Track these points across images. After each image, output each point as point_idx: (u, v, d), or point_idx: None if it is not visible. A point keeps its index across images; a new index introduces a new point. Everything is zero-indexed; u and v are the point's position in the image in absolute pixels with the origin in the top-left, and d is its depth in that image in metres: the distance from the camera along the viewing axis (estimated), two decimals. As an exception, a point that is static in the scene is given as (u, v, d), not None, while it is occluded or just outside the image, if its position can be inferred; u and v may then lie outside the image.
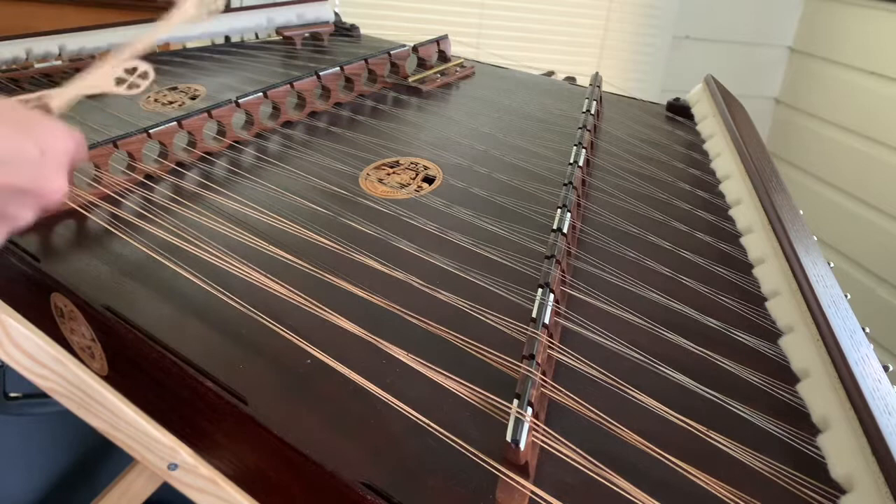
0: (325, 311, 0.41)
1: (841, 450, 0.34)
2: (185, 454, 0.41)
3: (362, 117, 0.75)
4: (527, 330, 0.38)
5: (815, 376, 0.38)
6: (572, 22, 1.67)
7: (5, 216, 0.39)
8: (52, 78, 0.85)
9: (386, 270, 0.46)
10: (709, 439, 0.34)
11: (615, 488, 0.31)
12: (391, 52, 0.85)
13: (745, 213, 0.55)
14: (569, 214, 0.50)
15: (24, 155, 0.38)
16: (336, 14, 1.10)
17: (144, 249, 0.47)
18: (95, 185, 0.55)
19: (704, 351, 0.40)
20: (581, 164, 0.59)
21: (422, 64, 0.89)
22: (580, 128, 0.67)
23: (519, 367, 0.35)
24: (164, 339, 0.41)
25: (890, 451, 0.31)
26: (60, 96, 0.51)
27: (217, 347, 0.41)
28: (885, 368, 0.40)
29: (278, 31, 1.03)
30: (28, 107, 0.43)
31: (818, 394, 0.37)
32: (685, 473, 0.32)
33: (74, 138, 0.42)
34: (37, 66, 0.86)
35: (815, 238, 0.51)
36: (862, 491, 0.31)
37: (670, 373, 0.38)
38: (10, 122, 0.38)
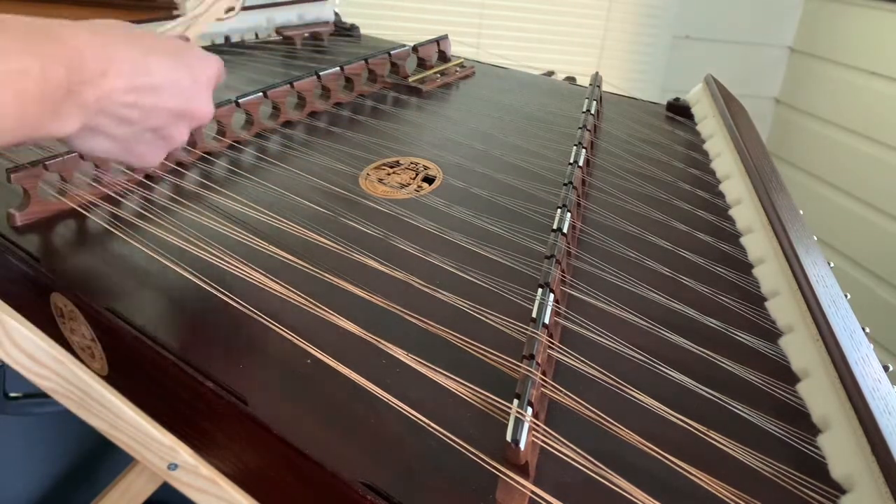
0: (325, 311, 0.41)
1: (841, 450, 0.34)
2: (185, 454, 0.41)
3: (362, 117, 0.75)
4: (527, 330, 0.38)
5: (815, 376, 0.38)
6: (572, 22, 1.68)
7: (167, 137, 0.45)
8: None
9: (386, 270, 0.46)
10: (709, 439, 0.34)
11: (615, 488, 0.31)
12: (391, 52, 0.85)
13: (745, 213, 0.55)
14: (569, 214, 0.50)
15: (180, 82, 0.43)
16: (336, 14, 1.10)
17: (144, 249, 0.47)
18: (95, 185, 0.55)
19: (704, 351, 0.40)
20: (581, 163, 0.59)
21: (422, 64, 0.89)
22: (580, 128, 0.67)
23: (519, 367, 0.35)
24: (164, 339, 0.41)
25: (890, 451, 0.31)
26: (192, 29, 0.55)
27: (217, 348, 0.41)
28: (885, 368, 0.40)
29: (278, 31, 1.03)
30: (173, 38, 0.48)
31: (818, 394, 0.37)
32: (685, 473, 0.32)
33: (217, 63, 0.48)
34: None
35: (815, 238, 0.51)
36: (862, 491, 0.31)
37: (670, 373, 0.38)
38: (166, 53, 0.43)
